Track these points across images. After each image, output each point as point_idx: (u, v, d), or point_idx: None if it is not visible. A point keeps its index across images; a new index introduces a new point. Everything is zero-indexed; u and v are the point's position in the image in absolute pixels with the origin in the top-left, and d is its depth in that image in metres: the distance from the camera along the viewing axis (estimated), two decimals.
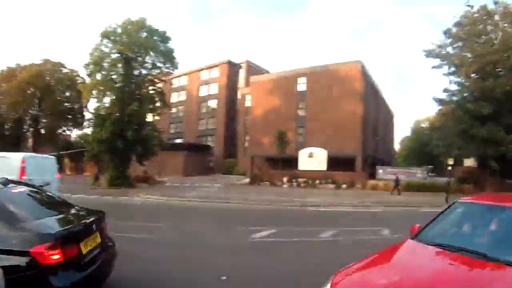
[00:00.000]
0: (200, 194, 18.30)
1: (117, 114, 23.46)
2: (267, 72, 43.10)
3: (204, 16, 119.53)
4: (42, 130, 42.37)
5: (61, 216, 3.56)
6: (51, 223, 3.24)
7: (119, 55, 24.35)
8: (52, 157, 11.00)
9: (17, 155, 9.61)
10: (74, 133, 45.66)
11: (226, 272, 4.80)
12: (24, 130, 42.64)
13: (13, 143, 39.12)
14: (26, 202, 3.49)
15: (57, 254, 2.83)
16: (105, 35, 24.54)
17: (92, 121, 25.55)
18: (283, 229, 8.55)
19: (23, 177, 8.45)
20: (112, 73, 24.84)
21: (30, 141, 43.01)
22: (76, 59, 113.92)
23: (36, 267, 2.75)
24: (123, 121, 23.10)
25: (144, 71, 25.47)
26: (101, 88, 24.65)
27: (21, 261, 2.78)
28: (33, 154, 11.64)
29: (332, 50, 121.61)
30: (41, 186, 6.28)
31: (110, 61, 24.62)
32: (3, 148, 34.10)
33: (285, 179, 27.44)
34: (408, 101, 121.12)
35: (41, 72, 39.91)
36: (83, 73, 44.54)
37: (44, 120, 41.76)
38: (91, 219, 3.60)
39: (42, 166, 9.67)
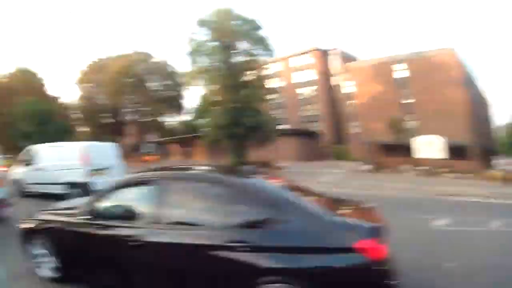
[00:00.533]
0: (329, 181, 17.90)
1: (229, 102, 23.38)
2: (355, 59, 42.43)
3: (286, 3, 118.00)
4: (142, 118, 43.44)
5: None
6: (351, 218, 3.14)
7: (217, 42, 24.20)
8: (113, 144, 11.75)
9: (78, 144, 11.07)
10: (175, 120, 47.40)
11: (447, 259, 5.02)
12: (123, 118, 44.12)
13: (114, 131, 41.05)
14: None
15: (380, 249, 2.68)
16: (202, 23, 24.57)
17: (201, 108, 26.41)
18: (453, 218, 8.56)
19: (87, 163, 9.99)
20: (213, 61, 24.70)
21: (131, 129, 44.53)
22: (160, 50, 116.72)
23: (367, 264, 2.61)
24: (237, 108, 23.14)
25: (242, 58, 25.02)
26: (205, 76, 24.72)
27: (344, 258, 2.65)
28: (94, 142, 12.27)
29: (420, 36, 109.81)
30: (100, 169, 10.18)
31: (209, 49, 24.50)
32: (104, 136, 34.45)
33: (406, 167, 26.36)
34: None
35: (132, 62, 41.23)
36: (171, 62, 47.77)
37: (143, 108, 42.81)
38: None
39: (103, 153, 10.72)
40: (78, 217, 3.75)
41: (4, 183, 8.31)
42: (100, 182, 9.27)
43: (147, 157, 35.55)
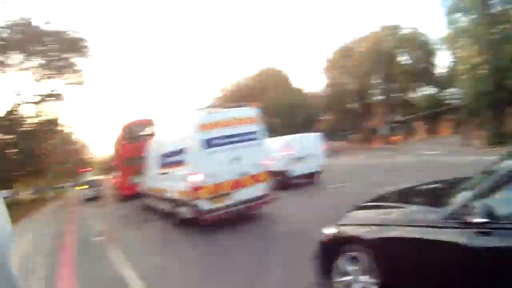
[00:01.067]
0: None
1: (490, 62, 19.32)
2: None
3: None
4: (389, 97, 39.56)
5: None
6: None
7: None
8: (314, 134, 13.86)
9: (285, 138, 13.18)
10: (421, 94, 40.63)
11: None
12: (371, 100, 41.55)
13: (360, 115, 40.65)
14: None
15: None
16: None
17: (454, 75, 22.87)
18: None
19: (291, 153, 12.33)
20: (472, 16, 20.69)
21: (377, 110, 41.17)
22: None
23: None
24: (500, 69, 18.89)
25: (499, 8, 20.17)
26: (463, 36, 21.16)
27: None
28: (297, 135, 13.52)
29: None
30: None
31: (467, 4, 20.28)
32: (350, 121, 38.65)
33: None
34: None
35: (379, 39, 38.29)
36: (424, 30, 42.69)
37: (390, 86, 39.05)
38: None
39: (306, 143, 12.88)
40: (445, 221, 2.56)
41: (267, 177, 8.06)
42: (298, 169, 12.48)
43: (394, 138, 33.74)
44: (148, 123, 18.74)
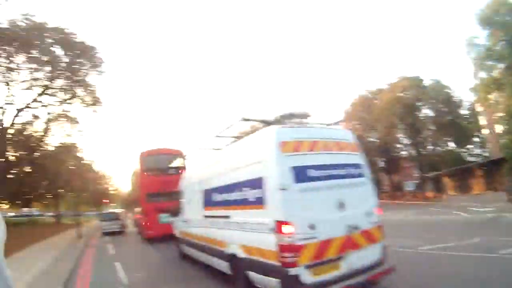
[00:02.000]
0: None
1: None
2: None
3: None
4: (414, 151, 38.84)
5: None
6: None
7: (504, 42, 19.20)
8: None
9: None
10: (455, 149, 38.93)
11: None
12: (396, 153, 40.37)
13: (386, 169, 39.16)
14: None
15: None
16: (484, 20, 19.82)
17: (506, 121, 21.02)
18: None
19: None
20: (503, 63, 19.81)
21: (403, 165, 40.81)
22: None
23: None
24: None
25: None
26: (494, 86, 20.25)
27: None
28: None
29: None
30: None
31: (499, 51, 19.35)
32: (374, 175, 32.38)
33: None
34: None
35: (401, 90, 37.07)
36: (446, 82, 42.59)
37: (414, 141, 38.13)
38: None
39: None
40: None
41: (381, 234, 5.40)
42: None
43: (427, 194, 32.24)
44: (175, 153, 16.70)
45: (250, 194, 5.32)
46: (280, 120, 5.51)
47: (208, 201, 7.33)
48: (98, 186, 49.81)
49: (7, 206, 43.27)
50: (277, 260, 4.56)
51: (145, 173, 15.84)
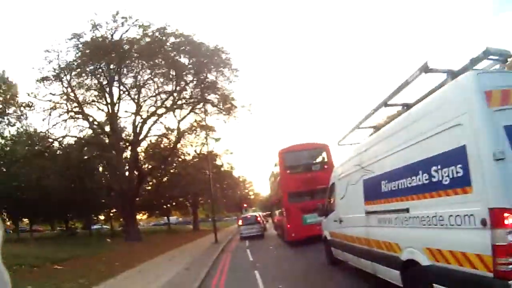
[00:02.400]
0: None
1: None
2: None
3: None
4: None
5: None
6: None
7: None
8: None
9: None
10: None
11: None
12: None
13: None
14: None
15: None
16: None
17: None
18: None
19: None
20: None
21: None
22: None
23: None
24: None
25: None
26: None
27: None
28: None
29: None
30: None
31: None
32: None
33: None
34: None
35: None
36: None
37: None
38: None
39: None
40: None
41: None
42: None
43: None
44: (318, 147, 15.25)
45: (443, 174, 3.83)
46: (469, 68, 4.07)
47: (372, 193, 5.84)
48: (238, 191, 51.77)
49: (145, 216, 49.17)
50: (489, 269, 3.17)
51: (286, 171, 14.82)
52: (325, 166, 14.08)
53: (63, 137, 22.88)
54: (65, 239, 25.54)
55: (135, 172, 24.48)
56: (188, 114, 24.27)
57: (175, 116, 23.97)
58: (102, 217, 41.06)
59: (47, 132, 22.30)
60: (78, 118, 22.95)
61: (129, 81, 23.58)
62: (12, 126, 22.22)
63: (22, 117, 21.70)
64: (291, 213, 14.18)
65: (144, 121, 23.46)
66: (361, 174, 6.24)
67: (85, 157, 24.52)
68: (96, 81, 23.10)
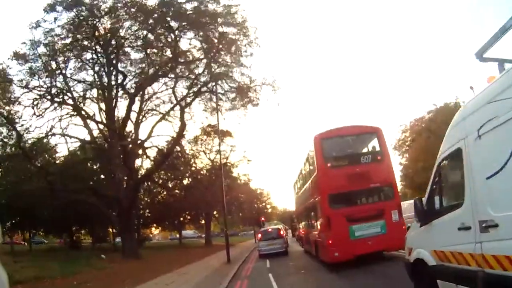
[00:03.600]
0: None
1: None
2: None
3: None
4: None
5: None
6: None
7: None
8: None
9: None
10: None
11: None
12: None
13: None
14: None
15: None
16: None
17: None
18: None
19: None
20: None
21: None
22: None
23: None
24: None
25: None
26: None
27: None
28: None
29: None
30: None
31: None
32: None
33: None
34: None
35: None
36: None
37: None
38: None
39: None
40: None
41: None
42: None
43: None
44: (369, 130, 11.19)
45: None
46: None
47: None
48: (255, 204, 49.14)
49: (157, 231, 46.63)
50: None
51: (326, 165, 10.48)
52: (378, 157, 10.56)
53: (51, 134, 19.45)
54: (56, 254, 22.01)
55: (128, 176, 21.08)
56: (192, 100, 20.72)
57: (175, 96, 20.27)
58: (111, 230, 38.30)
59: (26, 130, 18.77)
60: (65, 107, 19.63)
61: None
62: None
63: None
64: (334, 223, 9.90)
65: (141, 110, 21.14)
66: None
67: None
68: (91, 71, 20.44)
